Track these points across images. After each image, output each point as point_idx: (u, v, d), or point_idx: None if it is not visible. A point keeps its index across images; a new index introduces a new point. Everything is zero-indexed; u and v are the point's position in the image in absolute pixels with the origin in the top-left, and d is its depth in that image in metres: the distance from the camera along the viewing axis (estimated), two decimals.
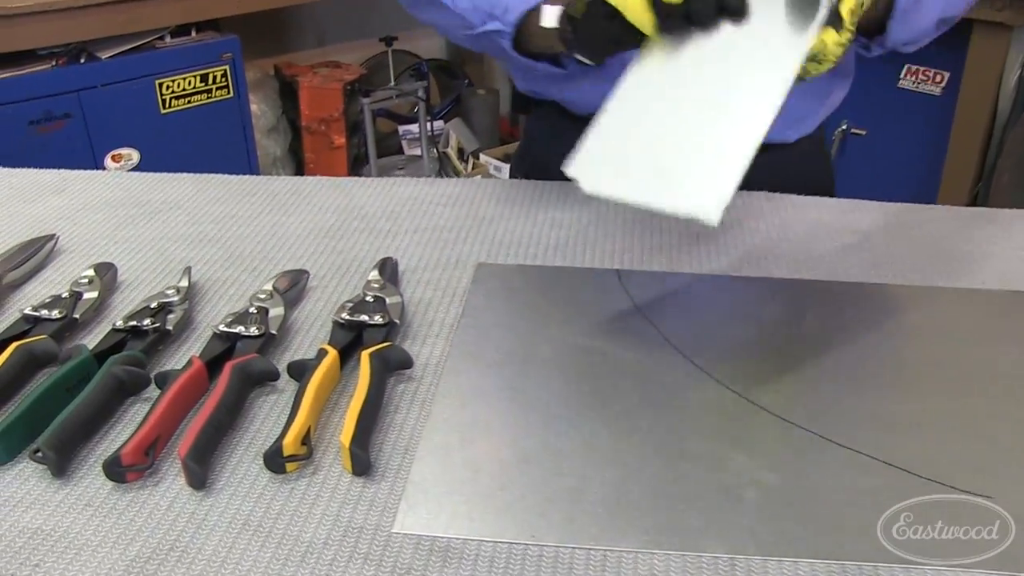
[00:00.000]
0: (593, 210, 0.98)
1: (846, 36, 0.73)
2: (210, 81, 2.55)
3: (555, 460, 0.61)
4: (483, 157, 3.37)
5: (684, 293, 0.83)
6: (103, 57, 2.37)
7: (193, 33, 2.54)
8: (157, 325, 0.73)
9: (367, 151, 3.03)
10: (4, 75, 2.21)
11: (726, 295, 0.83)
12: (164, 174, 1.09)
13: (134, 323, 0.73)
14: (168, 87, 2.48)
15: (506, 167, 3.30)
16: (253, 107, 2.84)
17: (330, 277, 0.85)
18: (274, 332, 0.73)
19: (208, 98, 2.56)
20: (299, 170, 3.02)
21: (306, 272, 0.84)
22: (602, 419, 0.65)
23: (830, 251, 0.90)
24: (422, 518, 0.56)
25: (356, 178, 1.08)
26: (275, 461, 0.60)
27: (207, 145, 2.58)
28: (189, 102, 2.53)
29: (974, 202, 2.54)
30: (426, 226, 0.95)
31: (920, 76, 2.45)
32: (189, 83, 2.51)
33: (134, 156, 2.48)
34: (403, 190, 1.03)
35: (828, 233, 0.94)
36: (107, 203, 1.01)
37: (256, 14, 2.65)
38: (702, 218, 0.68)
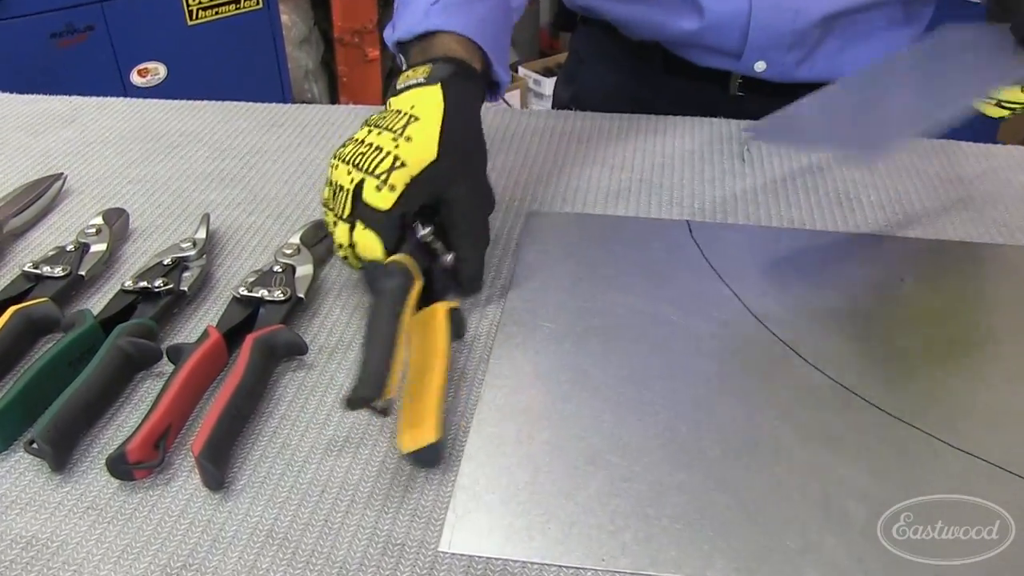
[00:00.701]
0: (657, 151, 0.87)
1: None
2: None
3: (625, 460, 0.53)
4: (522, 70, 3.24)
5: (764, 250, 0.74)
6: None
7: None
8: (171, 286, 0.65)
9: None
10: None
11: (811, 254, 0.74)
12: (185, 102, 1.00)
13: (144, 284, 0.64)
14: None
15: (546, 80, 3.17)
16: (284, 18, 2.71)
17: None
18: (301, 295, 0.65)
19: (236, 8, 2.44)
20: (332, 83, 2.91)
21: None
22: (677, 407, 0.57)
23: (923, 200, 0.80)
24: (473, 534, 0.48)
25: None
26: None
27: (236, 58, 2.48)
28: (217, 13, 2.41)
29: None
30: None
31: None
32: None
33: (161, 70, 2.38)
34: None
35: (920, 178, 0.83)
36: (121, 136, 0.92)
37: None
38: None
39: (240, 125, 0.95)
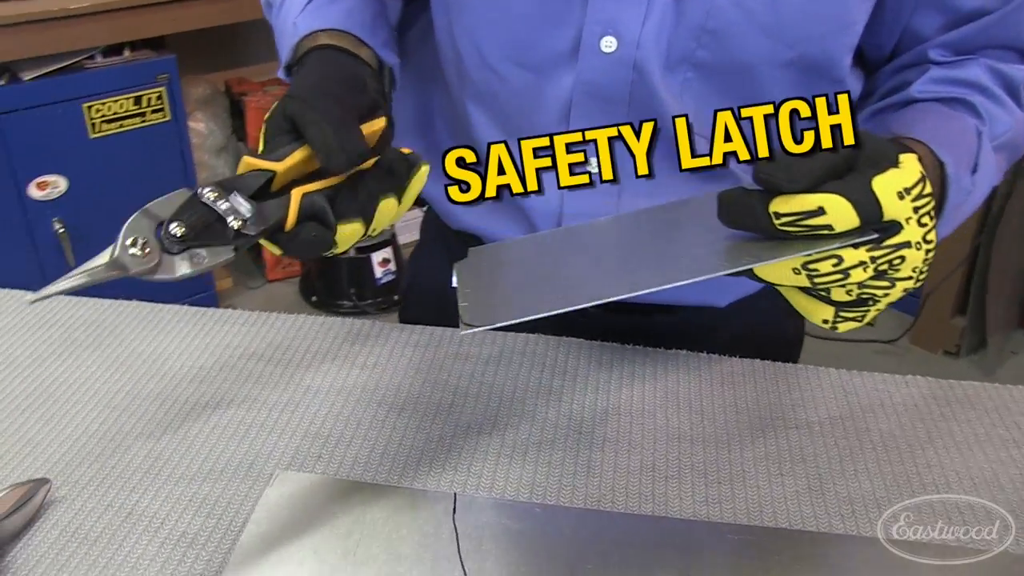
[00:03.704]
0: (451, 384, 0.78)
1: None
2: (144, 104, 2.36)
3: None
4: None
5: (540, 540, 0.64)
6: (26, 79, 2.20)
7: (127, 52, 2.35)
8: None
9: None
10: None
11: (602, 545, 0.65)
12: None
13: None
14: (98, 110, 2.29)
15: None
16: (200, 126, 2.65)
17: (87, 482, 0.67)
18: None
19: (142, 122, 2.37)
20: None
21: (47, 481, 0.65)
22: None
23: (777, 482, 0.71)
24: None
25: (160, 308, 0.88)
26: None
27: (142, 170, 2.40)
28: (121, 126, 2.35)
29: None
30: (223, 419, 0.76)
31: None
32: (121, 106, 2.32)
33: (61, 183, 2.31)
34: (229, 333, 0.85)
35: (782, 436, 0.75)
36: None
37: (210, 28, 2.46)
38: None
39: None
